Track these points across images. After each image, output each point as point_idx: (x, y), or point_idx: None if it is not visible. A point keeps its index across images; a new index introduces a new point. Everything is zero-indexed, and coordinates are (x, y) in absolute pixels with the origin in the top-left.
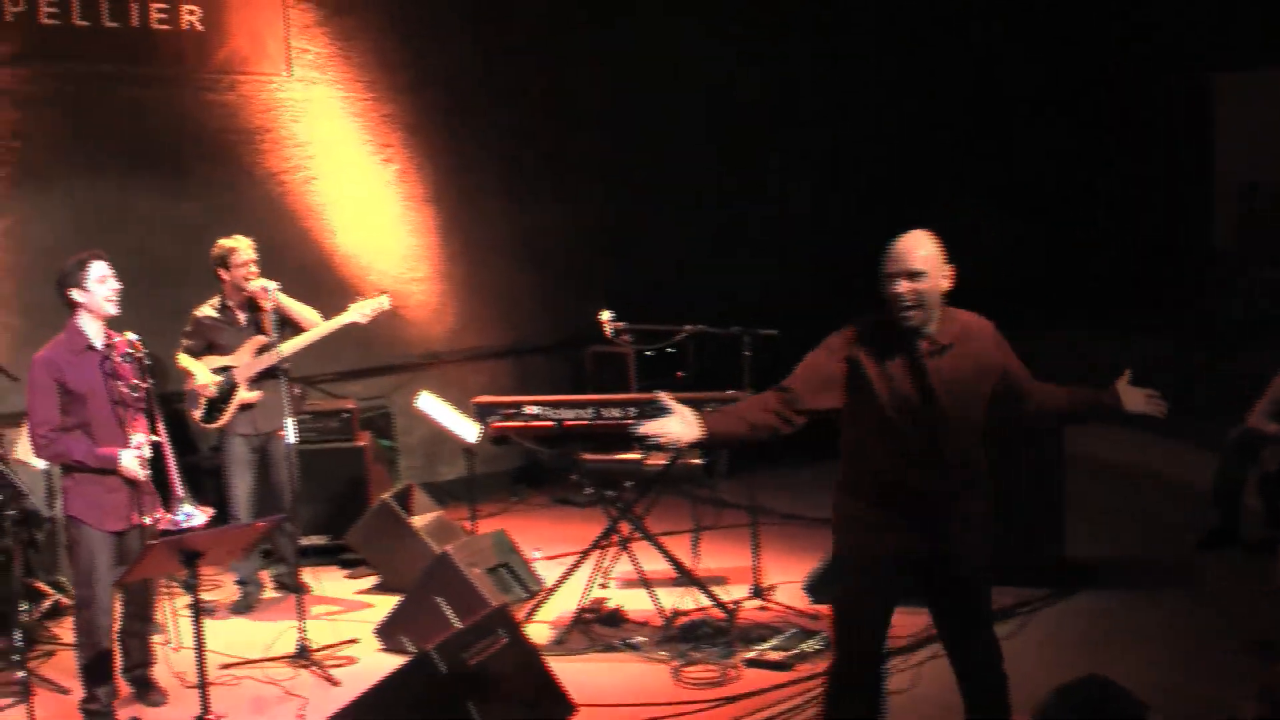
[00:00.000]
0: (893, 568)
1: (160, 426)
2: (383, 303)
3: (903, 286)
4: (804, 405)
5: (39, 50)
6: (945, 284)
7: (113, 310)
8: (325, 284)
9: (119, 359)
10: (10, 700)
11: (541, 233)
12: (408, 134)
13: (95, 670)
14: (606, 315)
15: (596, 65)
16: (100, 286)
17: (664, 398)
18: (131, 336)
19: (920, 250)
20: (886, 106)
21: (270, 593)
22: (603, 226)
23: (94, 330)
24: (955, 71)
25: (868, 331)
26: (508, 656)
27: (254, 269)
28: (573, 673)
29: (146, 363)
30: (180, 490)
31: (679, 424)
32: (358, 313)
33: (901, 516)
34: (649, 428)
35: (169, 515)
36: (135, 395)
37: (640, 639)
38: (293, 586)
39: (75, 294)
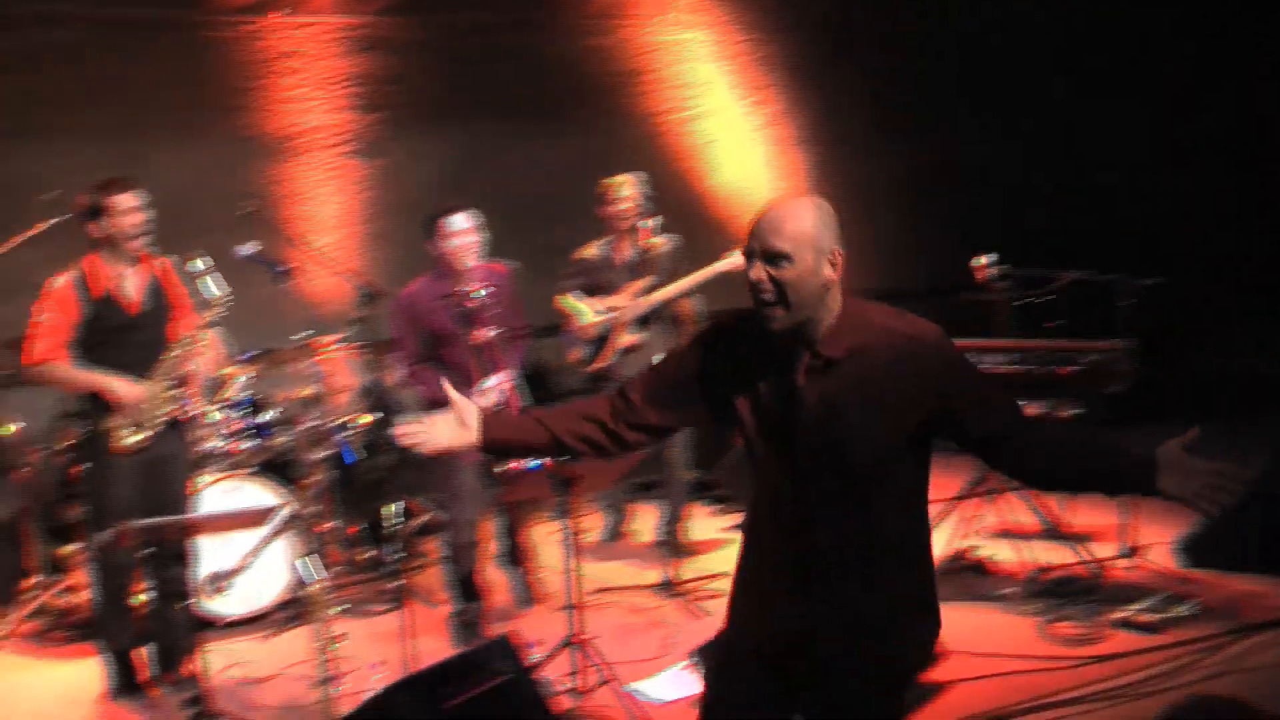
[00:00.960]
0: (755, 670)
1: (511, 365)
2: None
3: (759, 272)
4: (642, 420)
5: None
6: (829, 273)
7: (469, 262)
8: (700, 225)
9: (477, 300)
10: (383, 608)
11: (915, 175)
12: (784, 75)
13: (464, 585)
14: (984, 259)
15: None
16: (454, 240)
17: (449, 390)
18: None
19: (789, 223)
20: None
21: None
22: (979, 167)
23: (455, 276)
24: None
25: (738, 332)
26: None
27: (629, 206)
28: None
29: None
30: None
31: (447, 427)
32: (736, 258)
33: (772, 594)
34: (406, 429)
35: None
36: (491, 336)
37: (1007, 591)
38: (674, 545)
39: (433, 245)
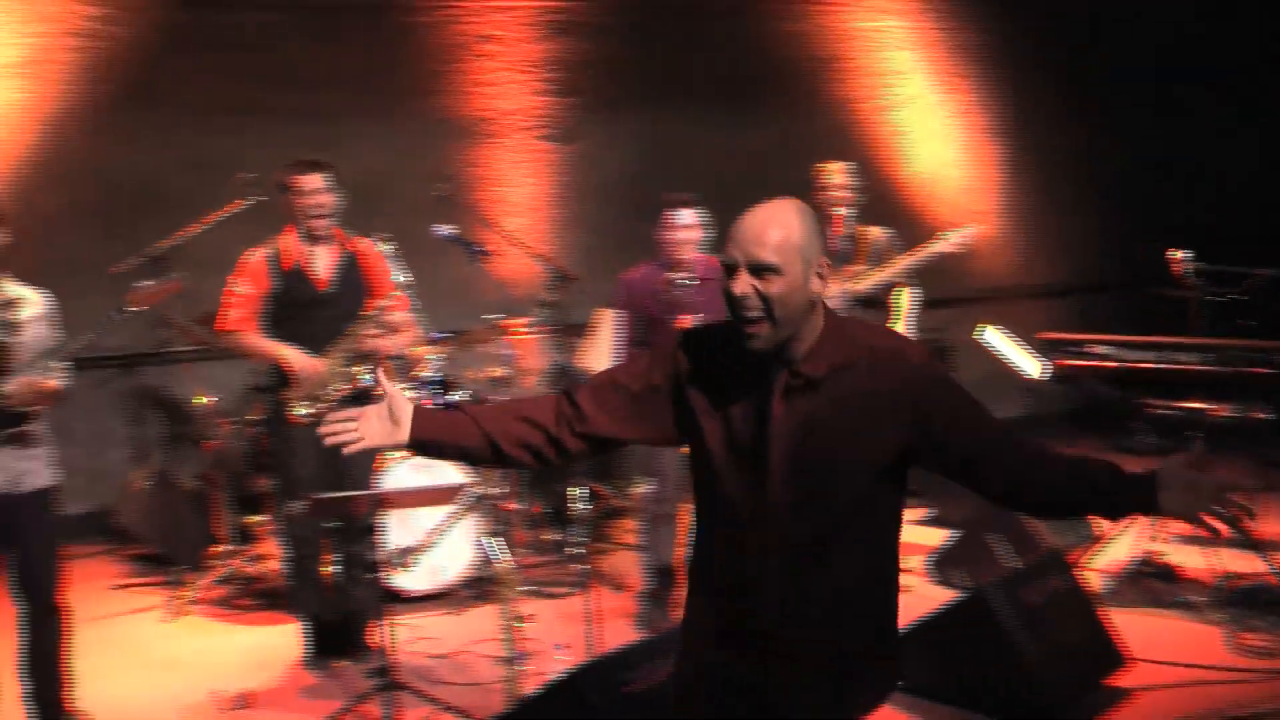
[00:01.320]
0: None
1: None
2: (972, 232)
3: (744, 286)
4: (590, 429)
5: None
6: (817, 285)
7: (687, 255)
8: (891, 213)
9: (683, 288)
10: (567, 591)
11: (1110, 168)
12: (981, 64)
13: (659, 565)
14: (1179, 254)
15: None
16: (675, 232)
17: (384, 380)
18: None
19: (776, 232)
20: None
21: None
22: (1178, 161)
23: (673, 265)
24: None
25: (707, 345)
26: (1062, 601)
27: (837, 193)
28: (1122, 625)
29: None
30: None
31: (377, 423)
32: (945, 241)
33: (719, 646)
34: (334, 425)
35: None
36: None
37: (1194, 598)
38: None
39: (658, 234)
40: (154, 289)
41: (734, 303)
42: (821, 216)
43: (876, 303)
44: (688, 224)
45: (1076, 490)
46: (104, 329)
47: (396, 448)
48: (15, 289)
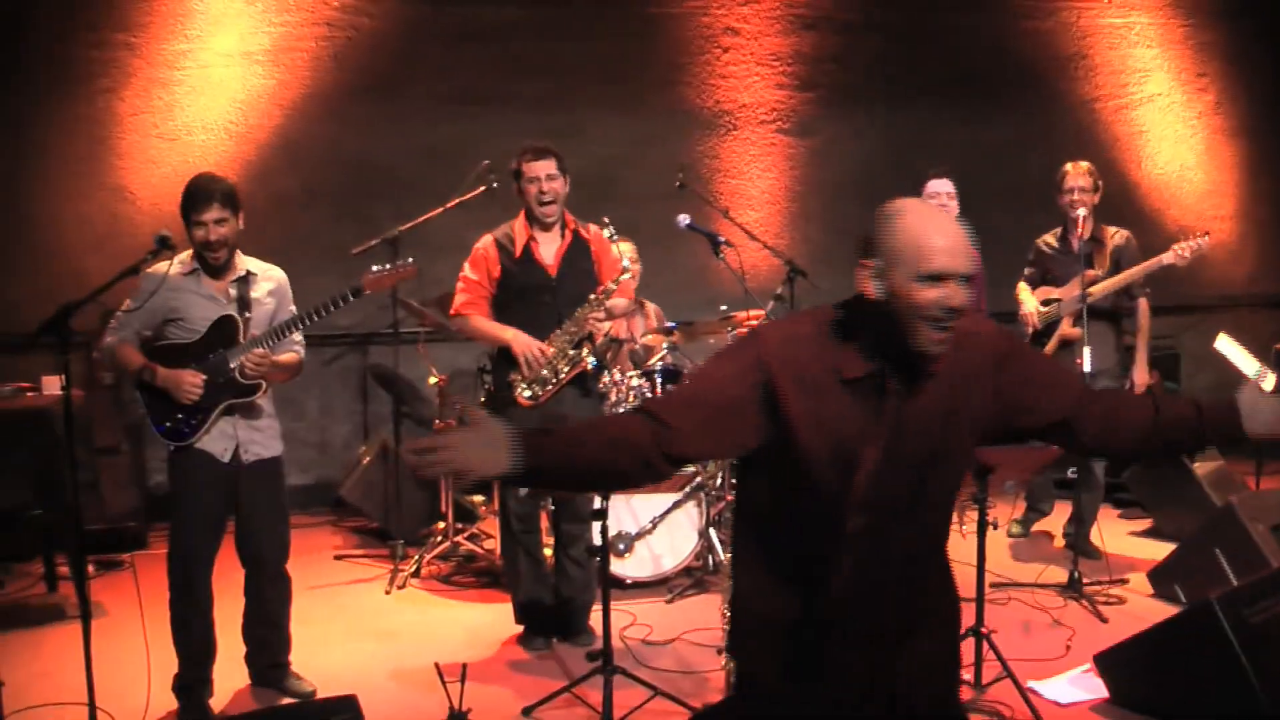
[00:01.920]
0: None
1: None
2: (1202, 243)
3: (962, 296)
4: (681, 450)
5: None
6: None
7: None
8: (1127, 214)
9: None
10: None
11: None
12: (1225, 63)
13: None
14: None
15: None
16: (930, 201)
17: (471, 410)
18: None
19: (968, 242)
20: None
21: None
22: None
23: None
24: None
25: (797, 342)
26: None
27: (1079, 196)
28: None
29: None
30: None
31: (476, 449)
32: (1175, 253)
33: (839, 649)
34: (417, 447)
35: None
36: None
37: None
38: (1082, 548)
39: None
40: (388, 273)
41: (946, 312)
42: (1064, 218)
43: (1110, 310)
44: (939, 193)
45: (1163, 428)
46: (335, 308)
47: (497, 478)
48: (252, 263)
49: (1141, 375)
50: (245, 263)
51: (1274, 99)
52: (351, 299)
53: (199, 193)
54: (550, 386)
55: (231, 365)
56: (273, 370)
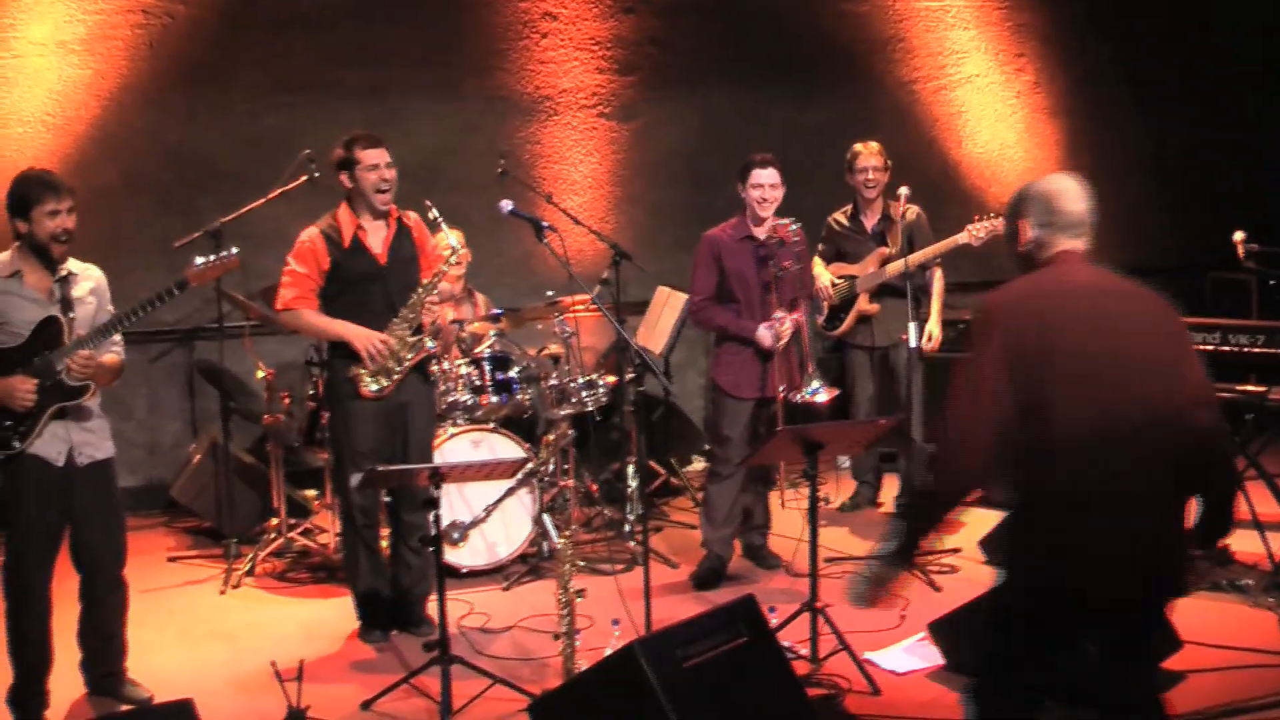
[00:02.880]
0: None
1: (803, 308)
2: (996, 224)
3: None
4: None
5: None
6: None
7: (766, 213)
8: (948, 193)
9: (775, 246)
10: (621, 567)
11: (1170, 149)
12: (1042, 44)
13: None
14: (1239, 236)
15: None
16: (756, 191)
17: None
18: (794, 225)
19: None
20: None
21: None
22: (1241, 143)
23: (754, 223)
24: None
25: (1038, 304)
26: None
27: (873, 175)
28: (1175, 608)
29: (798, 249)
30: (811, 366)
31: None
32: (969, 234)
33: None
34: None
35: (800, 389)
36: (784, 279)
37: (1247, 582)
38: None
39: (741, 191)
40: (212, 266)
41: None
42: (857, 198)
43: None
44: (767, 183)
45: None
46: (160, 304)
47: None
48: (72, 263)
49: (936, 332)
50: (68, 264)
51: (1090, 78)
52: (177, 293)
53: (50, 182)
54: (396, 376)
55: (58, 368)
56: (98, 371)
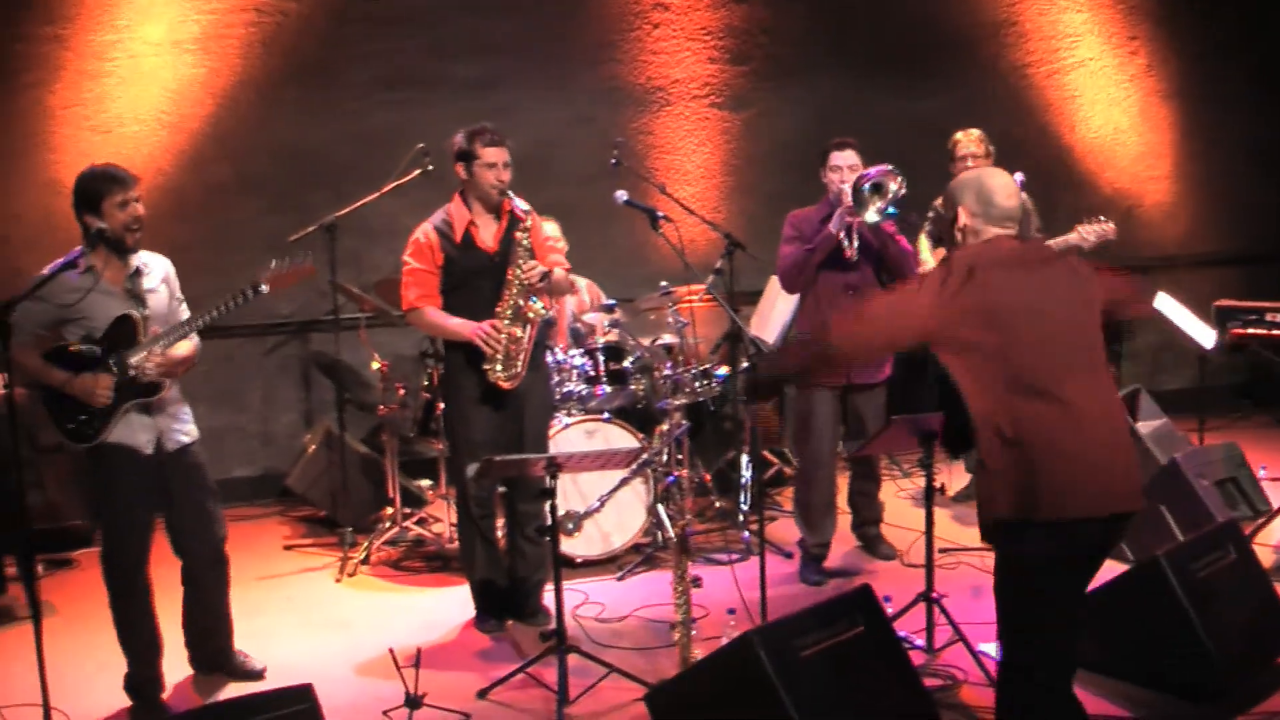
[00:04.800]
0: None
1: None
2: (1107, 230)
3: None
4: None
5: None
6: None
7: (845, 190)
8: (1062, 179)
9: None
10: (735, 557)
11: None
12: (1155, 26)
13: (809, 519)
14: None
15: None
16: (833, 174)
17: None
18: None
19: None
20: None
21: None
22: None
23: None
24: None
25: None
26: (1234, 574)
27: (973, 163)
28: None
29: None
30: None
31: None
32: (1079, 234)
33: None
34: None
35: None
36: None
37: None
38: None
39: (822, 173)
40: (286, 271)
41: None
42: None
43: None
44: (844, 165)
45: None
46: (236, 306)
47: None
48: (142, 255)
49: None
50: (140, 258)
51: (1204, 60)
52: (252, 295)
53: (115, 174)
54: (519, 363)
55: (132, 364)
56: (173, 368)
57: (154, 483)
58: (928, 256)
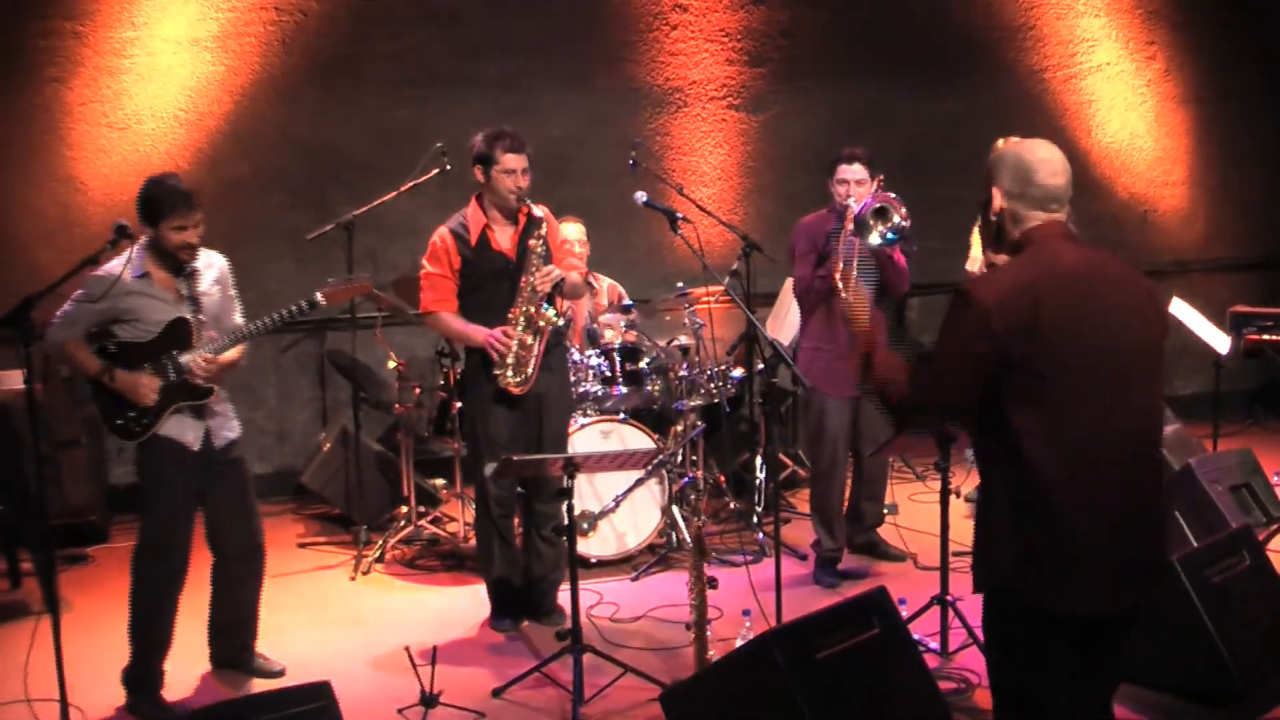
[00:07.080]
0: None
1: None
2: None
3: None
4: None
5: None
6: None
7: (852, 206)
8: (1078, 183)
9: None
10: (749, 559)
11: None
12: (1173, 31)
13: (826, 525)
14: None
15: None
16: (839, 187)
17: None
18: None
19: None
20: None
21: None
22: None
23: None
24: None
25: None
26: (1249, 580)
27: None
28: None
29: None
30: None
31: None
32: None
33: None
34: None
35: None
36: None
37: None
38: None
39: (828, 183)
40: (343, 287)
41: None
42: None
43: None
44: (850, 179)
45: None
46: (290, 318)
47: None
48: (200, 255)
49: None
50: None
51: (1221, 65)
52: (307, 309)
53: (180, 195)
54: (530, 369)
55: (184, 368)
56: (221, 373)
57: (200, 478)
58: (978, 254)
